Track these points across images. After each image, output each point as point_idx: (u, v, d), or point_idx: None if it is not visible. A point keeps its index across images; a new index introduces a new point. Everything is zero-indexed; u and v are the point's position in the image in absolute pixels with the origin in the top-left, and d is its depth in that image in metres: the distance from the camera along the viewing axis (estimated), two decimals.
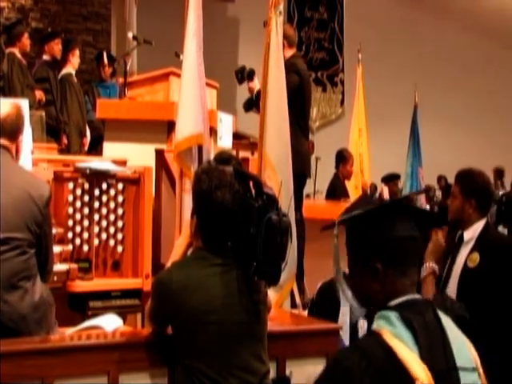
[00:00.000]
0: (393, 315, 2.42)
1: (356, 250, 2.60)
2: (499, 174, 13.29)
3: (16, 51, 8.92)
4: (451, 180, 7.37)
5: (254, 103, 6.66)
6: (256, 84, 6.80)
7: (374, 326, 2.44)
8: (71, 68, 9.61)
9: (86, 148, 9.40)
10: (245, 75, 7.01)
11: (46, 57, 9.65)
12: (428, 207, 9.88)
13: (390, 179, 10.24)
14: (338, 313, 4.31)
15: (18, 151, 4.21)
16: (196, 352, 3.30)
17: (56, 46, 9.67)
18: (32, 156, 4.99)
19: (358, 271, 2.58)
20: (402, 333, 2.38)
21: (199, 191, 3.42)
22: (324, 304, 4.48)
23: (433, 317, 2.47)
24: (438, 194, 14.09)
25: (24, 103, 4.54)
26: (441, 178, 14.60)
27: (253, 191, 3.33)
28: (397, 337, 2.37)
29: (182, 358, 3.34)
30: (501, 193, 12.47)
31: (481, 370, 2.48)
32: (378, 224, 2.55)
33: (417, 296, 2.53)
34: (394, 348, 2.34)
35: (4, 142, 4.06)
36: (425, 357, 2.34)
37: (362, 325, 4.29)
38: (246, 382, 3.32)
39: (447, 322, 2.51)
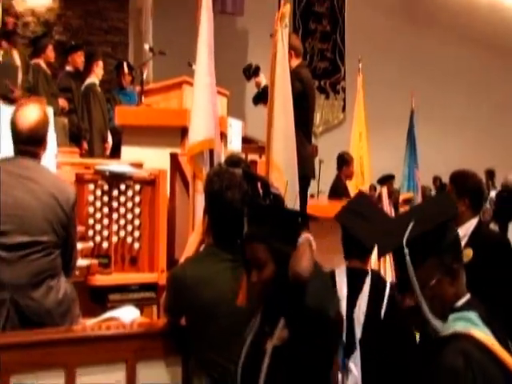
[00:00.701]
0: (473, 315, 2.39)
1: (431, 258, 2.54)
2: (490, 175, 13.25)
3: (41, 62, 8.96)
4: (446, 180, 7.38)
5: (261, 96, 6.67)
6: (262, 78, 6.82)
7: (458, 327, 2.38)
8: (95, 78, 9.63)
9: (108, 152, 9.41)
10: (251, 72, 7.04)
11: (68, 68, 9.71)
12: None
13: (386, 180, 10.26)
14: None
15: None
16: (207, 342, 3.29)
17: (78, 58, 9.72)
18: (56, 159, 5.00)
19: (435, 282, 2.50)
20: (486, 331, 2.36)
21: (211, 192, 3.42)
22: None
23: (485, 313, 2.46)
24: (433, 192, 14.09)
25: (49, 110, 4.53)
26: (436, 179, 14.58)
27: (260, 191, 3.31)
28: (485, 335, 2.35)
29: (195, 348, 3.34)
30: (493, 192, 12.48)
31: None
32: (448, 229, 2.54)
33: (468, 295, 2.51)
34: (490, 347, 2.32)
35: (34, 148, 4.07)
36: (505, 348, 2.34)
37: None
38: None
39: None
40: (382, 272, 6.48)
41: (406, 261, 2.52)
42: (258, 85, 6.98)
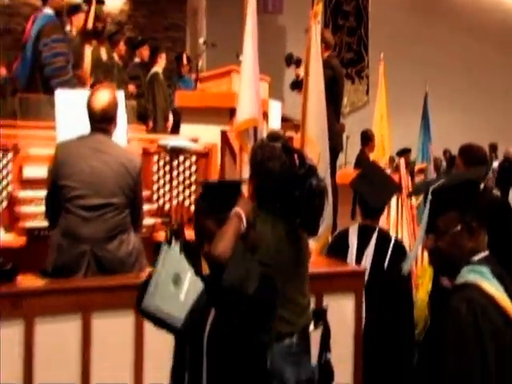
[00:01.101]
0: (485, 269, 2.33)
1: (452, 211, 2.44)
2: (493, 148, 13.06)
3: (114, 55, 9.00)
4: (455, 153, 7.29)
5: (298, 85, 6.72)
6: (301, 71, 6.88)
7: (469, 278, 2.33)
8: (159, 68, 9.62)
9: (169, 129, 9.43)
10: (293, 61, 7.07)
11: (137, 59, 9.74)
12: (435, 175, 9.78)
13: (403, 152, 10.23)
14: (347, 254, 4.33)
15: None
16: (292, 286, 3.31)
17: (145, 51, 9.74)
18: (126, 135, 5.03)
19: (453, 233, 2.40)
20: (497, 285, 2.31)
21: (254, 162, 3.40)
22: (336, 247, 4.47)
23: (500, 269, 2.38)
24: (444, 164, 13.96)
25: (120, 94, 4.56)
26: (446, 152, 14.42)
27: (297, 162, 3.30)
28: (495, 288, 2.30)
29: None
30: (496, 163, 12.31)
31: None
32: (474, 189, 2.48)
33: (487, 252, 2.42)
34: (495, 297, 2.25)
35: (106, 126, 4.09)
36: None
37: None
38: (293, 312, 3.29)
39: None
40: (399, 229, 6.45)
41: (426, 206, 2.47)
42: (297, 75, 7.05)
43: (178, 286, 2.78)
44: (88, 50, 8.54)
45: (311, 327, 3.38)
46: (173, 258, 2.83)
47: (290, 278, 3.31)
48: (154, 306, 2.76)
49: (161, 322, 2.79)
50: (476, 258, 2.36)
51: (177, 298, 2.76)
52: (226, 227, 2.80)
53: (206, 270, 2.89)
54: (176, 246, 2.83)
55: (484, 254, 2.39)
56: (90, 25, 8.31)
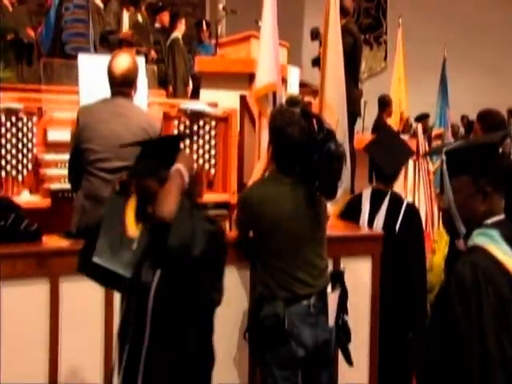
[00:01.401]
0: (495, 233, 2.31)
1: (465, 175, 2.41)
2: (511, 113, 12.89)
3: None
4: (472, 118, 7.24)
5: (319, 62, 6.68)
6: None
7: (478, 241, 2.32)
8: (179, 33, 9.57)
9: (189, 94, 9.42)
10: (318, 37, 7.00)
11: (157, 25, 9.68)
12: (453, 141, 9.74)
13: (422, 118, 10.19)
14: (359, 218, 4.33)
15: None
16: (271, 251, 3.30)
17: (165, 17, 9.69)
18: (147, 99, 5.02)
19: (465, 195, 2.38)
20: (505, 248, 2.29)
21: (274, 127, 3.40)
22: (350, 210, 4.47)
23: None
24: (462, 130, 13.86)
25: (141, 60, 4.55)
26: (463, 118, 14.34)
27: (316, 127, 3.29)
28: (503, 252, 2.28)
29: (261, 256, 3.35)
30: None
31: None
32: (490, 153, 2.44)
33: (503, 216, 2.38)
34: (502, 261, 2.23)
35: (126, 90, 4.06)
36: None
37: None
38: (310, 274, 3.31)
39: None
40: (416, 193, 6.44)
41: (442, 167, 2.45)
42: (320, 52, 6.98)
43: (127, 237, 2.78)
44: (125, 15, 8.77)
45: (329, 289, 3.39)
46: (121, 210, 2.82)
47: (307, 239, 3.32)
48: (106, 258, 2.74)
49: (110, 275, 2.74)
50: (489, 221, 2.34)
51: (126, 248, 2.76)
52: (169, 186, 2.74)
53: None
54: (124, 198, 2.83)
55: (498, 217, 2.36)
56: None
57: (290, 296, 3.27)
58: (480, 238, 2.30)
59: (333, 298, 3.39)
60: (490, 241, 2.28)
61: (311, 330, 3.28)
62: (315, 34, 7.15)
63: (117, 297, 3.30)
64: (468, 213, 2.40)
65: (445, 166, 2.43)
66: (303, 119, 3.31)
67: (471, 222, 2.38)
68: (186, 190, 2.78)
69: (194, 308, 2.76)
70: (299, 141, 3.27)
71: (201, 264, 2.72)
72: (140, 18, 9.06)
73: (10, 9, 8.28)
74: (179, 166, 2.79)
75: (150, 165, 2.83)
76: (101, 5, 7.71)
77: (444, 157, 2.43)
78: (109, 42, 7.87)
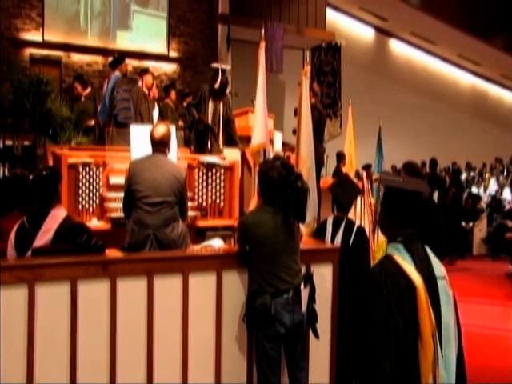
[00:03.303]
0: (399, 246, 2.35)
1: (387, 210, 2.44)
2: (434, 162, 12.81)
3: (169, 102, 8.99)
4: (399, 166, 7.27)
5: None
6: None
7: (388, 251, 2.37)
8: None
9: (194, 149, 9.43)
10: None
11: (185, 103, 9.67)
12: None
13: (367, 167, 10.23)
14: (325, 236, 4.30)
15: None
16: (262, 259, 3.29)
17: (190, 99, 9.67)
18: (177, 155, 5.05)
19: (387, 221, 2.43)
20: (406, 256, 2.32)
21: (260, 172, 3.42)
22: (318, 231, 4.43)
23: (420, 247, 2.38)
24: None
25: (173, 128, 4.58)
26: (393, 167, 14.37)
27: (289, 172, 3.31)
28: (402, 259, 2.31)
29: (254, 262, 3.34)
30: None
31: (447, 278, 2.37)
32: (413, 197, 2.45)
33: (412, 236, 2.39)
34: (401, 264, 2.27)
35: (163, 148, 4.11)
36: (419, 270, 2.27)
37: None
38: (289, 275, 3.30)
39: (428, 249, 2.41)
40: (363, 219, 6.44)
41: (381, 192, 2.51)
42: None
43: None
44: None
45: (302, 286, 3.38)
46: None
47: (285, 250, 3.31)
48: None
49: None
50: (399, 239, 2.38)
51: None
52: None
53: None
54: None
55: (403, 238, 2.39)
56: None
57: (274, 291, 3.25)
58: (390, 249, 2.37)
59: (305, 292, 3.38)
60: (395, 251, 2.33)
61: (290, 315, 3.27)
62: (296, 111, 7.22)
63: (156, 295, 3.29)
64: (387, 231, 2.46)
65: (382, 191, 2.48)
66: (281, 167, 3.33)
67: (389, 238, 2.44)
68: None
69: None
70: (277, 181, 3.30)
71: None
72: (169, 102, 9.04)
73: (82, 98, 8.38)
74: None
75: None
76: (146, 90, 7.76)
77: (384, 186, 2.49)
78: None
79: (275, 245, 3.27)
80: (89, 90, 8.49)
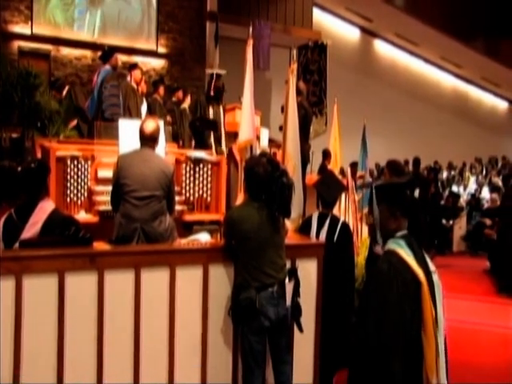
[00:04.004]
0: (401, 241, 2.37)
1: (384, 203, 2.48)
2: (417, 161, 12.93)
3: (158, 97, 8.90)
4: (383, 165, 7.31)
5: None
6: None
7: (391, 247, 2.39)
8: (186, 105, 9.52)
9: (193, 146, 9.37)
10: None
11: (174, 99, 9.58)
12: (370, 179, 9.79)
13: (353, 165, 10.26)
14: (310, 232, 4.28)
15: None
16: (247, 253, 3.28)
17: (179, 93, 9.60)
18: (165, 150, 5.02)
19: (383, 217, 2.48)
20: (408, 251, 2.34)
21: (246, 168, 3.41)
22: (303, 227, 4.42)
23: (416, 243, 2.42)
24: (375, 173, 13.98)
25: (161, 123, 4.55)
26: (377, 165, 14.49)
27: (274, 168, 3.31)
28: (407, 254, 2.33)
29: (240, 256, 3.33)
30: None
31: (437, 273, 2.42)
32: (400, 190, 2.48)
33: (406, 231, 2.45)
34: (406, 260, 2.30)
35: (151, 144, 4.09)
36: (419, 264, 2.31)
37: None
38: (273, 269, 3.30)
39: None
40: (347, 215, 6.46)
41: (373, 195, 2.53)
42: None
43: None
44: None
45: (287, 280, 3.38)
46: None
47: (270, 245, 3.31)
48: None
49: None
50: (398, 234, 2.39)
51: None
52: None
53: None
54: None
55: (403, 232, 2.42)
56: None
57: (260, 285, 3.25)
58: (392, 245, 2.38)
59: (289, 287, 3.38)
60: (398, 247, 2.34)
61: (274, 308, 3.27)
62: (282, 109, 7.22)
63: (143, 287, 3.27)
64: (384, 229, 2.46)
65: (374, 196, 2.50)
66: (268, 163, 3.32)
67: (386, 235, 2.45)
68: None
69: None
70: (263, 177, 3.29)
71: None
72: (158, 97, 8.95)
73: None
74: None
75: None
76: (134, 85, 7.68)
77: (374, 190, 2.50)
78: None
79: (260, 239, 3.26)
80: (66, 90, 8.36)
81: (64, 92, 8.30)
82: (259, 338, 3.27)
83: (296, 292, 3.42)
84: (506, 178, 12.89)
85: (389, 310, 2.23)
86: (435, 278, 2.37)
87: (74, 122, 7.60)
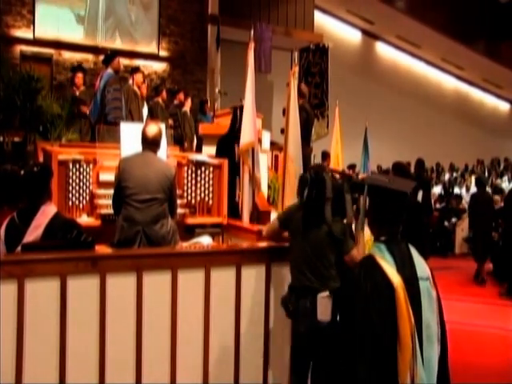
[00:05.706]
0: (382, 246, 2.35)
1: (372, 209, 2.46)
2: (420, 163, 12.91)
3: (159, 100, 8.91)
4: (384, 167, 7.30)
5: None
6: None
7: (371, 251, 2.36)
8: (187, 108, 9.55)
9: (195, 149, 9.37)
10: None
11: (175, 102, 9.60)
12: None
13: (351, 167, 10.28)
14: None
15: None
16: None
17: (181, 96, 9.63)
18: (166, 153, 5.02)
19: (372, 220, 2.46)
20: (387, 256, 2.31)
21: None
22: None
23: (405, 246, 2.37)
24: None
25: (163, 126, 4.55)
26: (378, 167, 14.46)
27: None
28: (383, 259, 2.30)
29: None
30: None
31: (431, 279, 2.35)
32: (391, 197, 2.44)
33: (396, 235, 2.39)
34: (381, 265, 2.27)
35: (153, 147, 4.10)
36: (400, 270, 2.25)
37: None
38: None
39: (412, 248, 2.39)
40: None
41: (363, 195, 2.50)
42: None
43: None
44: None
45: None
46: None
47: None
48: None
49: None
50: (382, 238, 2.38)
51: None
52: None
53: None
54: None
55: (386, 236, 2.38)
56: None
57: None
58: (373, 249, 2.36)
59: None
60: (378, 251, 2.33)
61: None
62: (284, 111, 7.21)
63: (145, 290, 3.27)
64: (372, 231, 2.47)
65: (366, 196, 2.49)
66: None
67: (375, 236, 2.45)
68: None
69: None
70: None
71: None
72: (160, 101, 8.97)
73: (81, 89, 8.29)
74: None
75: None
76: (136, 89, 7.70)
77: (366, 190, 2.49)
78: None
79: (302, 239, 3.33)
80: (83, 88, 8.40)
81: (82, 88, 8.26)
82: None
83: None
84: None
85: (354, 313, 2.22)
86: (424, 284, 2.29)
87: (87, 110, 7.57)
